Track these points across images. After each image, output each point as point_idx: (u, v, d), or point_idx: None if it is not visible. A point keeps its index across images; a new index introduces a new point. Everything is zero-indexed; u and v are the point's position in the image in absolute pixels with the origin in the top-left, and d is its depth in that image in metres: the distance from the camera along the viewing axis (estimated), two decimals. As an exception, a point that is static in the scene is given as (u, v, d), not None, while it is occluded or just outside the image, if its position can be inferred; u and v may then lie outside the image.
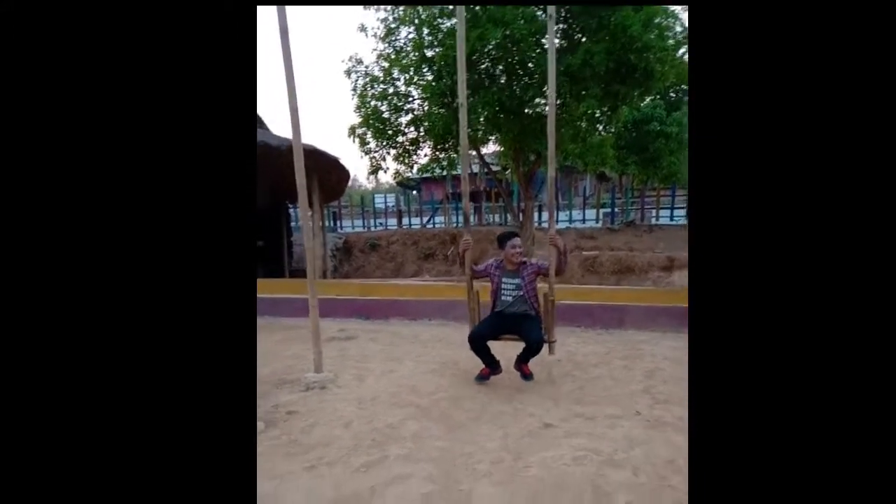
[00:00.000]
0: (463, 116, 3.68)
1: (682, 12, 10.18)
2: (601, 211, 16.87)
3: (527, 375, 3.78)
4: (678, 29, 10.07)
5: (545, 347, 3.65)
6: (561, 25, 8.78)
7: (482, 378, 3.81)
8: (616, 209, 16.64)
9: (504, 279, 3.79)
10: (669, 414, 3.13)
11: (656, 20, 8.44)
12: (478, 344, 3.71)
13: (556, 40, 10.10)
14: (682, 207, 16.16)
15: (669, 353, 4.62)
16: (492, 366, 3.80)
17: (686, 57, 11.13)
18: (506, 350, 3.88)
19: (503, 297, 3.79)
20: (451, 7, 8.46)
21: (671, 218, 15.71)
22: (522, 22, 7.98)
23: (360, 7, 9.38)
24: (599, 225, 15.73)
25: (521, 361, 3.77)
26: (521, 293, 3.72)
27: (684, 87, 13.22)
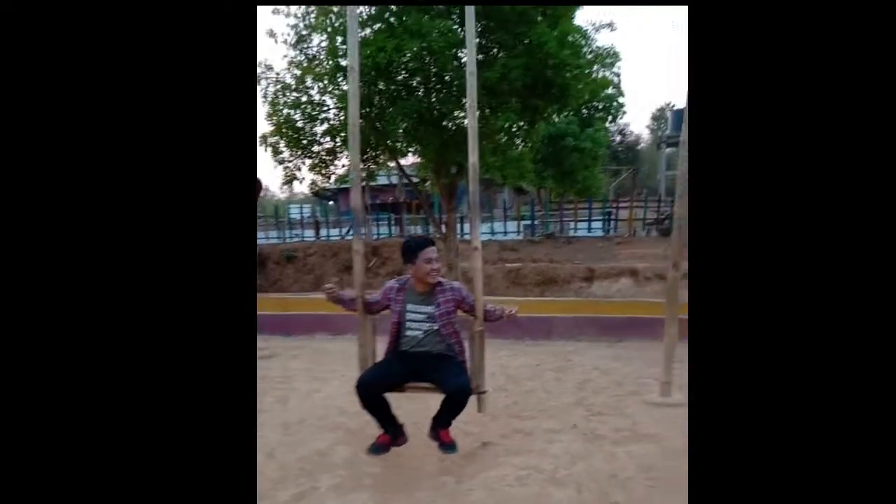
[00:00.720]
0: (354, 138, 2.86)
1: (594, 32, 10.73)
2: (521, 223, 17.26)
3: (447, 445, 2.59)
4: (589, 48, 10.62)
5: (473, 400, 2.61)
6: (478, 40, 8.93)
7: (379, 449, 2.60)
8: (536, 221, 17.08)
9: (410, 306, 2.70)
10: (605, 426, 3.12)
11: (570, 38, 8.80)
12: (369, 397, 2.55)
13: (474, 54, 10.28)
14: (599, 220, 16.87)
15: (598, 363, 4.68)
16: (391, 430, 2.66)
17: (599, 74, 11.74)
18: (416, 404, 3.08)
19: (408, 332, 2.70)
20: (366, 15, 8.35)
21: (588, 230, 16.34)
22: (438, 34, 8.04)
23: (269, 9, 9.01)
24: (520, 237, 16.06)
25: (440, 424, 2.61)
26: (435, 326, 2.65)
27: (597, 104, 13.86)
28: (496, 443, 2.90)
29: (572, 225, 16.67)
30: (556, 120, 13.57)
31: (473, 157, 2.80)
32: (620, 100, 13.72)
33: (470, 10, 2.95)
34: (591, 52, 10.03)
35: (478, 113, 9.61)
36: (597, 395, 3.72)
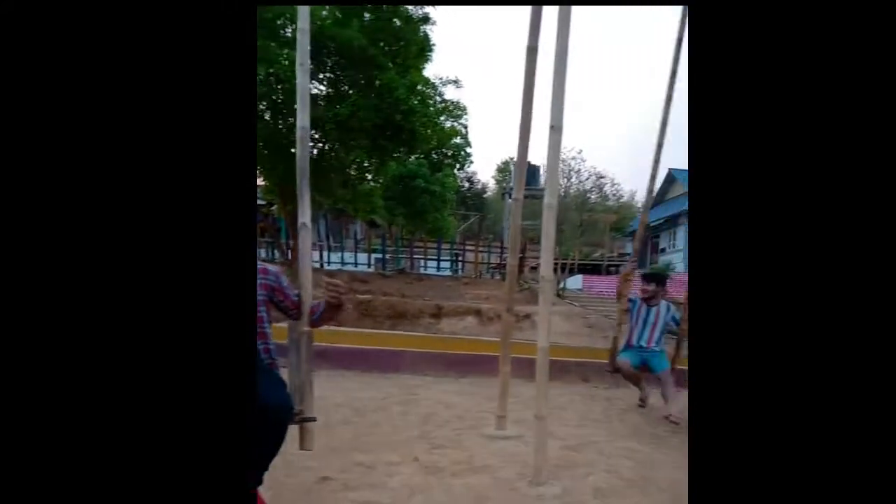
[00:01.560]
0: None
1: (442, 85, 11.50)
2: (373, 256, 17.28)
3: None
4: (438, 99, 11.34)
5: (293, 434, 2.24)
6: (328, 75, 9.11)
7: None
8: (387, 255, 17.22)
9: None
10: (445, 459, 3.20)
11: (419, 87, 9.37)
12: None
13: (323, 88, 10.37)
14: (447, 260, 17.50)
15: (443, 398, 4.80)
16: None
17: (447, 124, 12.47)
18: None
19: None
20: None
21: (437, 269, 16.85)
22: (286, 61, 8.06)
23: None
24: (371, 269, 16.05)
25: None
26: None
27: (446, 151, 14.63)
28: (334, 477, 2.82)
29: (422, 262, 17.08)
30: (408, 161, 14.08)
31: (302, 119, 2.72)
32: (468, 149, 14.68)
33: None
34: (440, 103, 10.72)
35: (327, 146, 9.56)
36: (440, 429, 3.81)
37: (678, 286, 16.97)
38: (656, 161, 4.42)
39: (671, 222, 25.45)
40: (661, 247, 26.32)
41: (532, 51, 3.25)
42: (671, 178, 27.42)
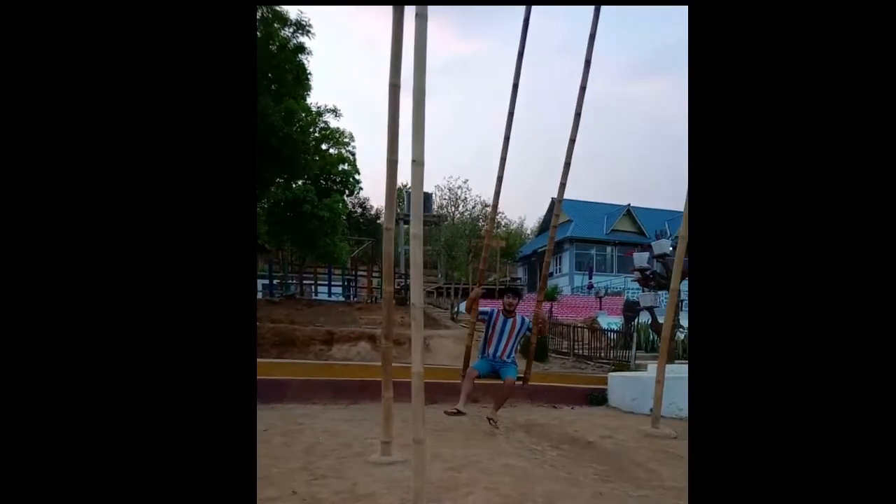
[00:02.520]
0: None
1: (318, 114, 11.59)
2: (259, 282, 16.52)
3: None
4: (321, 125, 11.42)
5: None
6: None
7: None
8: (275, 281, 16.57)
9: None
10: (325, 489, 3.09)
11: (297, 116, 9.40)
12: None
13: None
14: (339, 285, 17.15)
15: (329, 426, 4.66)
16: None
17: (332, 151, 12.52)
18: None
19: None
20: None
21: (329, 294, 16.46)
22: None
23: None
24: (259, 296, 15.33)
25: None
26: None
27: (334, 177, 14.59)
28: (206, 519, 2.62)
29: (313, 288, 16.62)
30: (294, 187, 13.88)
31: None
32: (357, 176, 14.69)
33: None
34: (323, 131, 10.80)
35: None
36: (323, 459, 3.68)
37: (566, 308, 18.04)
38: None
39: (557, 247, 26.91)
40: (549, 271, 27.72)
41: (394, 87, 3.35)
42: (553, 206, 29.11)
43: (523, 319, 4.90)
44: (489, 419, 4.62)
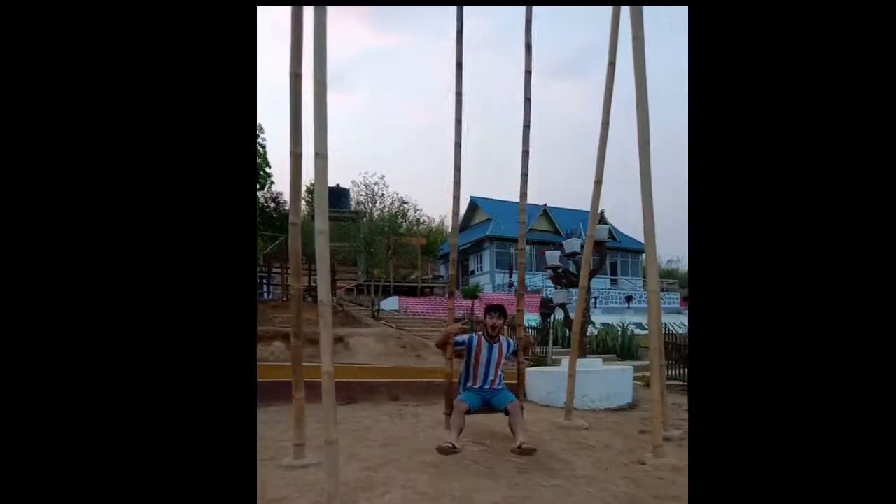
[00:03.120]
0: None
1: None
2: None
3: None
4: None
5: None
6: None
7: None
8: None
9: None
10: None
11: None
12: None
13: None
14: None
15: (237, 430, 4.42)
16: None
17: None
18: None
19: None
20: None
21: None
22: None
23: None
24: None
25: None
26: None
27: None
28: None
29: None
30: None
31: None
32: (267, 169, 14.15)
33: None
34: None
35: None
36: (231, 465, 3.48)
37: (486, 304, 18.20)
38: (456, 183, 4.59)
39: (477, 246, 27.33)
40: (470, 269, 28.09)
41: (296, 76, 3.22)
42: (474, 205, 29.62)
43: (509, 343, 4.16)
44: (523, 448, 3.47)
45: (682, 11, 1.57)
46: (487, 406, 3.98)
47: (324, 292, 2.72)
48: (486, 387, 3.98)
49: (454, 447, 3.46)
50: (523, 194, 4.70)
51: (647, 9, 4.01)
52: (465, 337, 4.08)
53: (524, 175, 4.64)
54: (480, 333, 4.06)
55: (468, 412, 3.80)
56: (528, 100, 4.70)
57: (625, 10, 4.23)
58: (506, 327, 4.35)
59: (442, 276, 27.25)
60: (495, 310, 4.08)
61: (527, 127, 4.69)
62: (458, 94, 4.52)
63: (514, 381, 4.24)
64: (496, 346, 4.01)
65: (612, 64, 4.76)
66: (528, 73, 4.69)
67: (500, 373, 4.04)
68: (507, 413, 3.77)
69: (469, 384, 4.01)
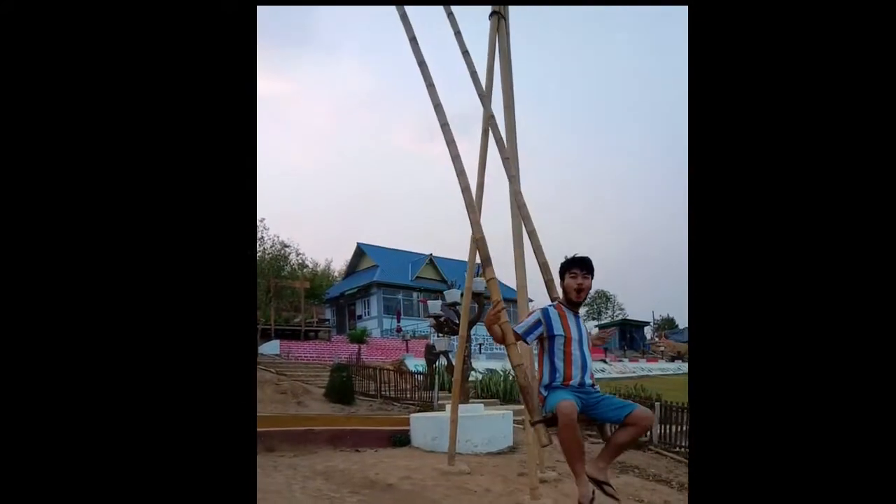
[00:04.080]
0: None
1: None
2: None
3: None
4: None
5: None
6: None
7: None
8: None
9: None
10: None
11: None
12: None
13: None
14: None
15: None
16: None
17: None
18: None
19: None
20: None
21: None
22: None
23: None
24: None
25: None
26: None
27: None
28: None
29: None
30: None
31: None
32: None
33: None
34: None
35: None
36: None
37: (375, 350, 18.01)
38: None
39: (364, 291, 27.05)
40: (357, 314, 27.61)
41: None
42: (360, 250, 29.55)
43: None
44: (598, 482, 2.33)
45: (683, 12, 1.56)
46: (591, 416, 2.46)
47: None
48: (589, 383, 2.44)
49: (601, 483, 2.31)
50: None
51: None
52: (533, 317, 2.55)
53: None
54: (557, 302, 2.63)
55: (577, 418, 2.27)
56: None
57: (497, 92, 4.53)
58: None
59: (328, 320, 26.49)
60: (580, 263, 2.54)
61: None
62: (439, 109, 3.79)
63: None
64: (580, 319, 2.58)
65: (485, 132, 4.91)
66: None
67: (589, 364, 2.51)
68: (628, 424, 2.33)
69: (559, 379, 2.41)
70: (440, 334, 10.16)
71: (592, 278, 2.54)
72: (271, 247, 18.50)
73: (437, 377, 10.79)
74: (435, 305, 9.92)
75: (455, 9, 4.13)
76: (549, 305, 2.61)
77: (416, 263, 28.61)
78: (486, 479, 4.81)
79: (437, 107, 3.69)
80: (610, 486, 2.33)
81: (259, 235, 18.13)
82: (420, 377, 11.99)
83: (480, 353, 19.57)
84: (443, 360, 11.25)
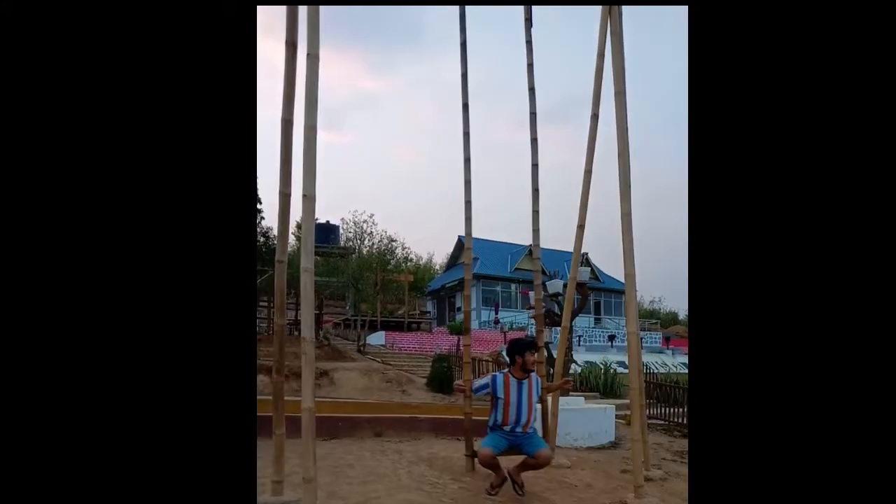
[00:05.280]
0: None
1: None
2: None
3: None
4: None
5: None
6: None
7: None
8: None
9: None
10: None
11: None
12: None
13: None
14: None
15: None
16: None
17: None
18: None
19: None
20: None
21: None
22: None
23: None
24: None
25: None
26: None
27: None
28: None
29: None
30: None
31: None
32: (258, 206, 14.34)
33: None
34: None
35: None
36: (209, 501, 3.44)
37: (474, 342, 18.12)
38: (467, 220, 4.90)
39: (463, 284, 27.41)
40: (457, 306, 28.07)
41: (287, 122, 3.33)
42: (461, 244, 29.89)
43: (537, 379, 3.90)
44: (512, 478, 3.77)
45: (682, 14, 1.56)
46: (516, 451, 3.78)
47: (307, 330, 2.77)
48: (520, 430, 3.70)
49: (501, 481, 3.76)
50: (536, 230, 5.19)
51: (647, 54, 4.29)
52: (484, 380, 3.93)
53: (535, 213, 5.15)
54: (506, 371, 3.84)
55: (494, 458, 3.66)
56: (532, 114, 5.21)
57: (608, 66, 4.47)
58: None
59: (429, 312, 27.15)
60: (530, 346, 3.88)
61: (535, 166, 5.20)
62: (466, 134, 4.98)
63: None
64: (526, 382, 3.72)
65: (594, 116, 4.97)
66: (534, 114, 5.20)
67: (532, 413, 3.79)
68: (535, 458, 3.68)
69: (499, 425, 3.73)
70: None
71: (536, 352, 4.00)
72: (379, 241, 19.33)
73: (535, 369, 10.71)
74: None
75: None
76: (500, 373, 3.86)
77: (516, 254, 28.50)
78: (587, 473, 4.75)
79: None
80: (521, 485, 3.79)
81: (368, 230, 19.03)
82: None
83: (579, 345, 19.15)
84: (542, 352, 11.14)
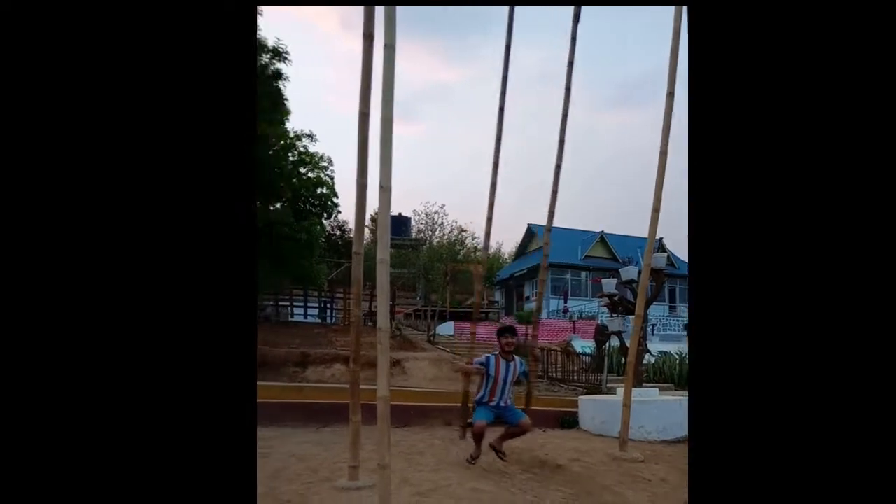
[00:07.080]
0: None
1: (297, 139, 11.72)
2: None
3: None
4: (300, 149, 11.60)
5: None
6: None
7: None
8: (252, 304, 16.39)
9: None
10: (294, 514, 3.08)
11: (270, 140, 9.50)
12: None
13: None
14: (315, 307, 17.03)
15: (297, 450, 4.62)
16: None
17: (308, 174, 12.69)
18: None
19: None
20: None
21: (305, 316, 16.33)
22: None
23: None
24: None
25: None
26: None
27: (312, 199, 14.66)
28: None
29: (290, 310, 16.49)
30: (271, 209, 13.88)
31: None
32: (335, 199, 14.80)
33: None
34: (301, 154, 11.01)
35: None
36: (290, 484, 3.65)
37: (542, 331, 18.04)
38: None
39: (533, 272, 27.12)
40: (525, 295, 27.89)
41: (363, 115, 3.43)
42: (530, 231, 29.54)
43: (520, 361, 4.60)
44: (495, 448, 4.39)
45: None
46: (501, 421, 4.48)
47: (382, 319, 2.87)
48: (502, 404, 4.42)
49: (497, 452, 4.40)
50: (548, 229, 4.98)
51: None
52: (482, 358, 4.56)
53: (554, 193, 4.86)
54: (497, 353, 4.49)
55: (484, 430, 4.30)
56: (564, 115, 5.18)
57: (684, 41, 4.29)
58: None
59: (497, 302, 27.13)
60: (508, 331, 4.63)
61: (561, 143, 5.26)
62: (501, 108, 5.26)
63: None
64: (511, 364, 4.47)
65: (670, 94, 4.78)
66: (565, 115, 5.19)
67: (511, 391, 4.51)
68: (517, 426, 4.34)
69: (485, 400, 4.42)
70: (613, 314, 9.82)
71: (514, 336, 4.56)
72: (450, 232, 19.45)
73: (606, 359, 10.50)
74: (609, 284, 9.56)
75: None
76: (493, 354, 4.51)
77: (587, 242, 27.89)
78: (661, 468, 4.65)
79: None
80: (503, 452, 4.41)
81: (439, 221, 19.22)
82: (587, 359, 11.76)
83: (653, 334, 18.52)
84: (615, 341, 10.91)
